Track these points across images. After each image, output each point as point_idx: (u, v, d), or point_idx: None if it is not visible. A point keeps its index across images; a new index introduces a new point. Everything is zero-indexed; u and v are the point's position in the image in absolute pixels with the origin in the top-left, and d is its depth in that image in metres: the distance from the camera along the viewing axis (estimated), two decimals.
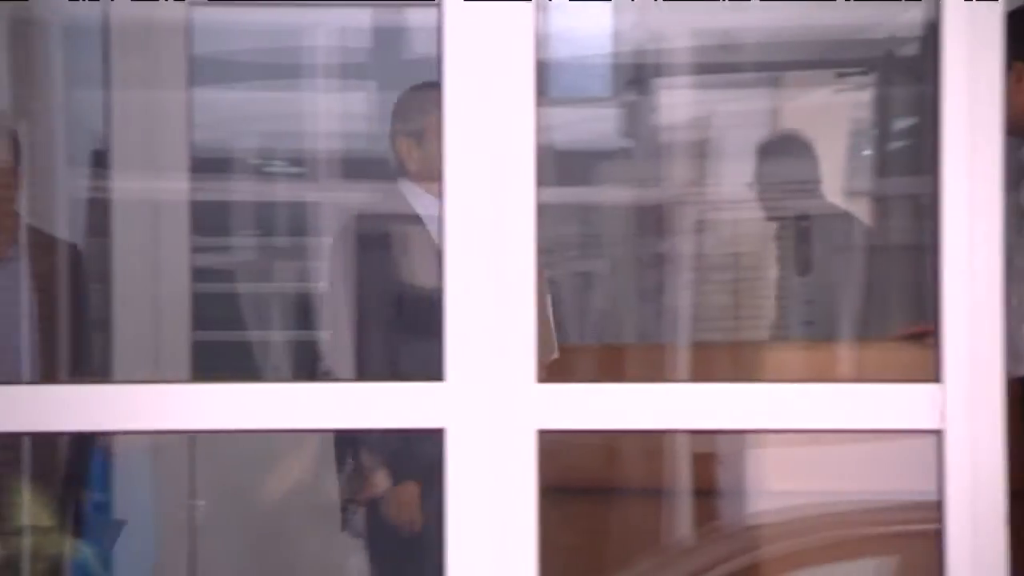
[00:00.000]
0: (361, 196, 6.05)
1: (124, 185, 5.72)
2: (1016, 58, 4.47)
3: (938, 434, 3.69)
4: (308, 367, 5.89)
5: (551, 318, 4.80)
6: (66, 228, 5.68)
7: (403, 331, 5.58)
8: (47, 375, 5.19)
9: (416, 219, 4.87)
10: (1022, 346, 4.36)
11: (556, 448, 3.92)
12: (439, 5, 3.61)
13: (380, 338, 5.48)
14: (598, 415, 3.94)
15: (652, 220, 6.05)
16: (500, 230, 3.75)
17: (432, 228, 4.77)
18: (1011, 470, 4.54)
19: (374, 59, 6.40)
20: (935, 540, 3.77)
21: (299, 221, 6.23)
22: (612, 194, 6.25)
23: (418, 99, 4.76)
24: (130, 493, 5.32)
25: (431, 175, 4.51)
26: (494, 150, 3.68)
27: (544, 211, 3.70)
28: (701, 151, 6.07)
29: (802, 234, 5.71)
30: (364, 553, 5.38)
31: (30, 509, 4.65)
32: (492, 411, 3.68)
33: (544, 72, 3.77)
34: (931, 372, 3.72)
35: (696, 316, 5.71)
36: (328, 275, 5.11)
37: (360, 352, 5.42)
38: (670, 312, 5.65)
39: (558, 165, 5.54)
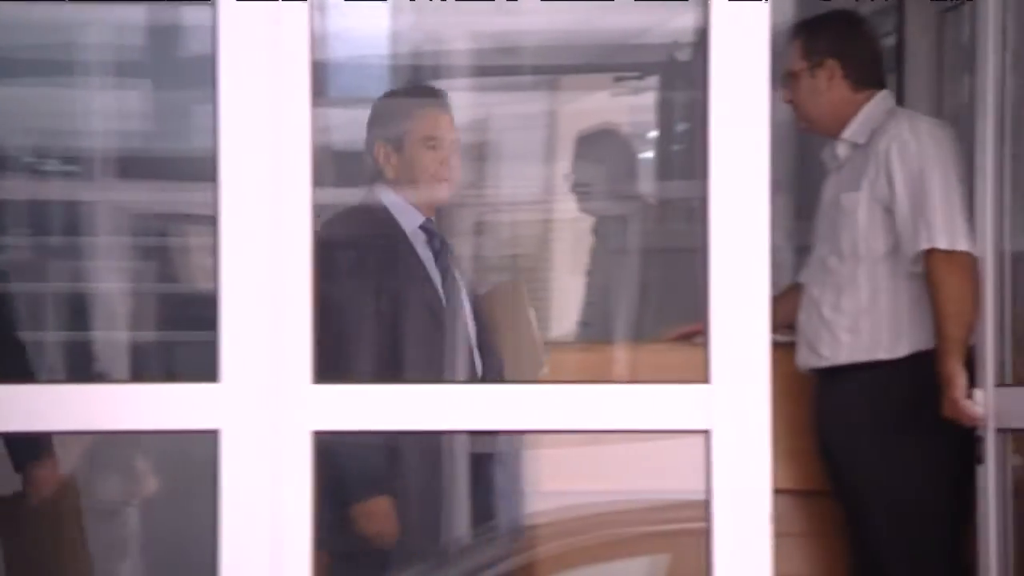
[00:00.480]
0: (139, 195, 6.01)
1: None
2: (829, 55, 4.60)
3: (706, 434, 3.78)
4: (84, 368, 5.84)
5: (535, 332, 4.89)
6: None
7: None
8: None
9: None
10: (819, 339, 4.44)
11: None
12: (213, 4, 3.57)
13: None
14: (374, 416, 3.94)
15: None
16: (277, 230, 3.73)
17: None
18: (801, 467, 4.63)
19: (149, 57, 6.38)
20: (704, 538, 3.86)
21: (74, 220, 6.15)
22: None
23: (396, 104, 4.80)
24: None
25: (411, 181, 4.67)
26: (270, 150, 3.67)
27: (322, 212, 3.69)
28: (479, 154, 6.14)
29: (581, 236, 5.78)
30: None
31: None
32: (267, 412, 3.68)
33: (321, 72, 3.74)
34: (701, 373, 3.80)
35: None
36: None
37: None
38: None
39: (337, 165, 5.54)
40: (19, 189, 6.09)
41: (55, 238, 6.20)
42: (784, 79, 4.59)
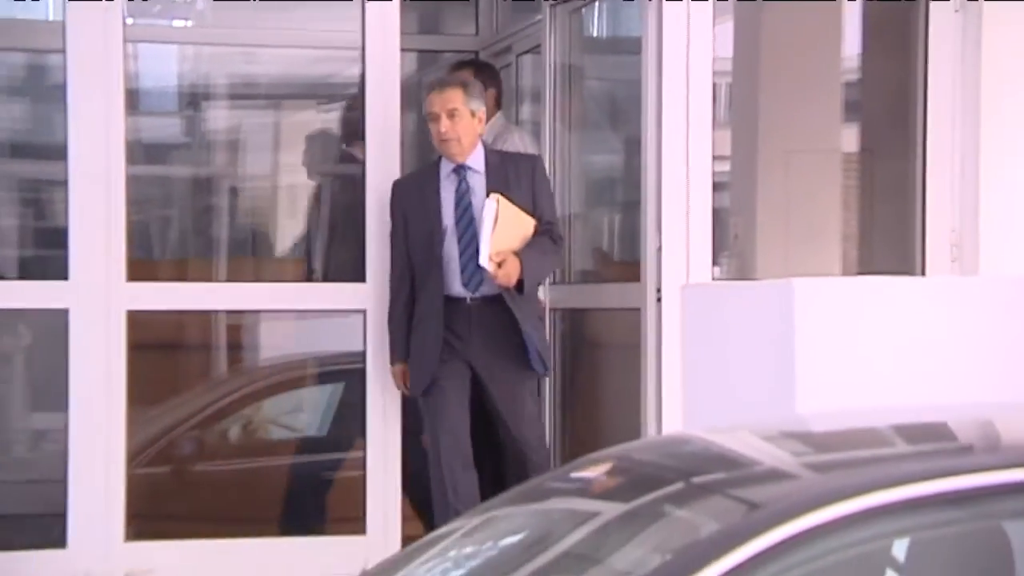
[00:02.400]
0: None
1: None
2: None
3: (363, 312, 5.16)
4: None
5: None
6: None
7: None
8: None
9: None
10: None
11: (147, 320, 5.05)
12: None
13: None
14: (169, 300, 5.23)
15: None
16: (108, 186, 4.98)
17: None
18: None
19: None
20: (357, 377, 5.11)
21: None
22: None
23: (432, 84, 5.00)
24: None
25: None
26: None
27: None
28: (238, 146, 6.96)
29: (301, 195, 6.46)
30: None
31: None
32: (99, 298, 4.99)
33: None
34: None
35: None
36: None
37: None
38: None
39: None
40: None
41: None
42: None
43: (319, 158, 6.17)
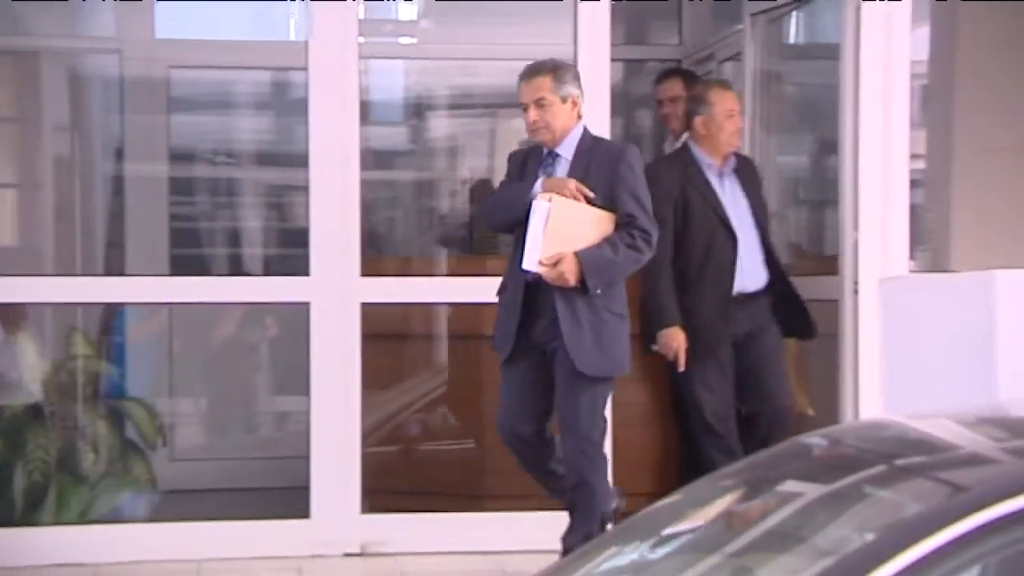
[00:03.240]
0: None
1: None
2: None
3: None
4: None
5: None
6: None
7: None
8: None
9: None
10: None
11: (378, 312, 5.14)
12: None
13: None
14: (398, 294, 5.34)
15: None
16: (344, 191, 5.14)
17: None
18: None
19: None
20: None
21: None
22: None
23: (522, 74, 4.54)
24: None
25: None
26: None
27: None
28: None
29: None
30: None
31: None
32: (337, 292, 5.12)
33: None
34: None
35: None
36: None
37: None
38: None
39: None
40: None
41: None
42: None
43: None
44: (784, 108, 6.20)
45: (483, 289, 4.83)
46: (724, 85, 5.41)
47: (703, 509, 2.68)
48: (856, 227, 5.16)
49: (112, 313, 6.00)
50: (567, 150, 4.51)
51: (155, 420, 5.64)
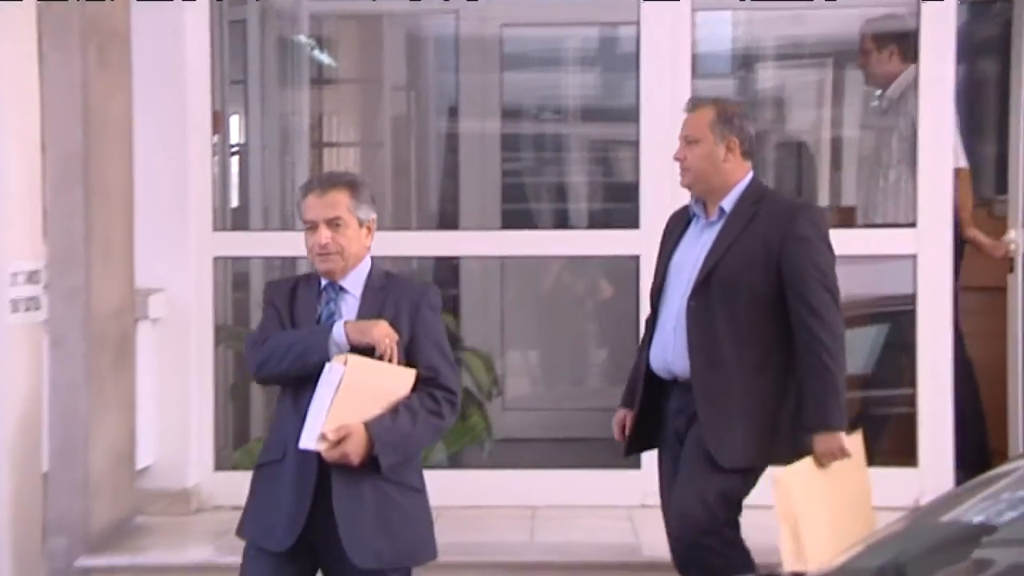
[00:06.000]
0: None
1: None
2: None
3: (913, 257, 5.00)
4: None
5: None
6: None
7: None
8: None
9: None
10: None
11: None
12: None
13: None
14: None
15: None
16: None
17: None
18: None
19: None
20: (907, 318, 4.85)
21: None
22: None
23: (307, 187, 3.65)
24: None
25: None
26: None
27: None
28: None
29: None
30: None
31: None
32: None
33: None
34: None
35: None
36: None
37: None
38: None
39: None
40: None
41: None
42: None
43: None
44: None
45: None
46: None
47: None
48: None
49: (447, 267, 6.20)
50: (354, 284, 3.61)
51: (491, 370, 5.81)
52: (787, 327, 3.71)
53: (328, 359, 3.42)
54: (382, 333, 3.48)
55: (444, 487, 5.02)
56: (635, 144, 5.19)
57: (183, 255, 5.18)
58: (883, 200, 5.39)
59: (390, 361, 3.49)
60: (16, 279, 4.23)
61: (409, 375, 3.52)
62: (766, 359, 3.73)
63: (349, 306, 3.58)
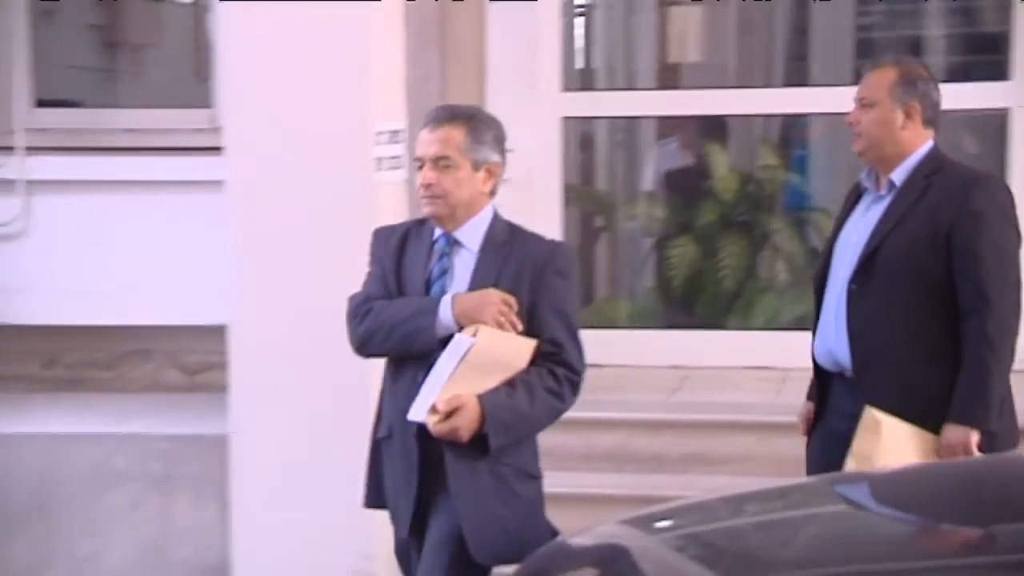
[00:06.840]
0: None
1: None
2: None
3: None
4: None
5: None
6: None
7: None
8: None
9: None
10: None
11: None
12: None
13: None
14: None
15: None
16: None
17: None
18: None
19: None
20: None
21: None
22: None
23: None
24: None
25: None
26: None
27: None
28: None
29: None
30: None
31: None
32: None
33: None
34: None
35: None
36: None
37: None
38: None
39: None
40: None
41: None
42: None
43: None
44: None
45: None
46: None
47: None
48: None
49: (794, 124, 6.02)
50: (470, 237, 3.24)
51: None
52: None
53: (435, 346, 3.12)
54: (495, 313, 3.11)
55: (790, 349, 4.81)
56: None
57: (533, 115, 5.22)
58: None
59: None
60: (379, 138, 4.36)
61: (529, 346, 3.16)
62: (935, 353, 3.32)
63: (465, 263, 3.21)
